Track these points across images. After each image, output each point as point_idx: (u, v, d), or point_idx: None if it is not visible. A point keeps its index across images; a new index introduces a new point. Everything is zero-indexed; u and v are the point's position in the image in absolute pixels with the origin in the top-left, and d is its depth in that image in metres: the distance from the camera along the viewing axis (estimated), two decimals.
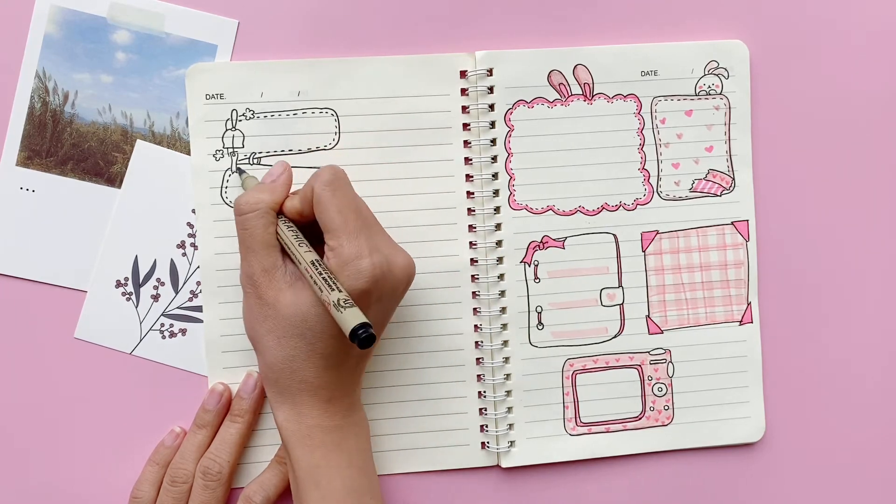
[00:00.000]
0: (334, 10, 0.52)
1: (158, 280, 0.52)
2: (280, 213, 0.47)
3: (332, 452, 0.46)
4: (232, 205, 0.51)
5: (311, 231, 0.47)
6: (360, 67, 0.52)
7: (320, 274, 0.43)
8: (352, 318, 0.41)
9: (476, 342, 0.53)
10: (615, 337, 0.54)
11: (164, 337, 0.52)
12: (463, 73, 0.53)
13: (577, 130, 0.53)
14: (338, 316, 0.42)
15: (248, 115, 0.52)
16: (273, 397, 0.47)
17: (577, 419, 0.54)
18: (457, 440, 0.53)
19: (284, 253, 0.46)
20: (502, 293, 0.53)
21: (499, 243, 0.53)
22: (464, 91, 0.53)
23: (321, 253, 0.45)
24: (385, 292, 0.45)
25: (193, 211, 0.52)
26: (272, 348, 0.45)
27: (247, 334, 0.48)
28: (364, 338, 0.41)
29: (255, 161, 0.52)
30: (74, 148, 0.51)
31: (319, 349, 0.45)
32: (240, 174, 0.51)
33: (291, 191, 0.49)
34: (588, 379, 0.54)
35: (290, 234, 0.46)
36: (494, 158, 0.53)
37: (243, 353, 0.52)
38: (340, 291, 0.43)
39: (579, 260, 0.54)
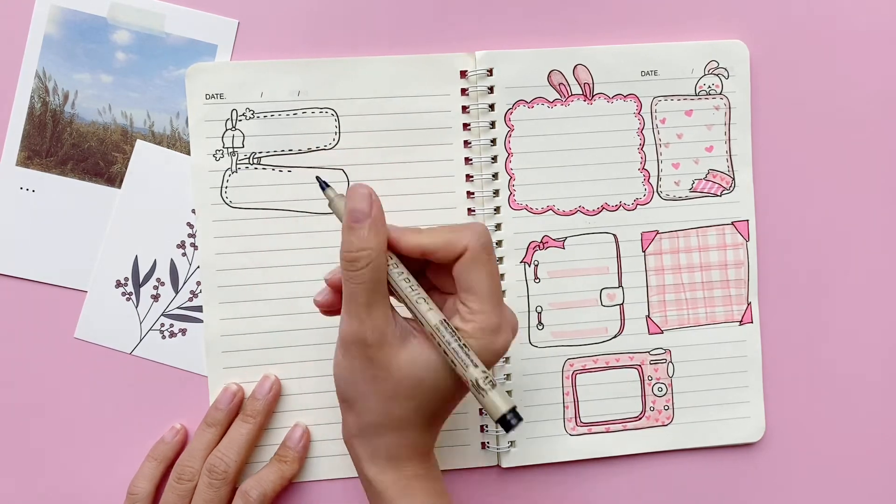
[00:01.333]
0: (334, 10, 0.52)
1: (158, 280, 0.52)
2: (391, 249, 0.42)
3: (430, 498, 0.44)
4: (232, 204, 0.51)
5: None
6: (360, 67, 0.52)
7: (459, 343, 0.40)
8: (501, 402, 0.40)
9: None
10: (615, 337, 0.54)
11: (164, 337, 0.52)
12: (463, 73, 0.53)
13: (577, 130, 0.53)
14: (483, 399, 0.40)
15: (248, 115, 0.52)
16: (364, 453, 0.44)
17: (577, 419, 0.54)
18: (457, 440, 0.53)
19: (390, 294, 0.42)
20: (502, 293, 0.53)
21: (499, 243, 0.53)
22: (464, 91, 0.53)
23: (420, 281, 0.43)
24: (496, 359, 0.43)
25: (193, 211, 0.52)
26: (376, 410, 0.42)
27: (338, 391, 0.44)
28: (514, 423, 0.40)
29: (256, 161, 0.52)
30: (74, 148, 0.51)
31: (429, 410, 0.42)
32: (323, 189, 0.45)
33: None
34: (588, 379, 0.54)
35: (406, 287, 0.42)
36: (494, 158, 0.53)
37: (243, 354, 0.52)
38: (482, 369, 0.40)
39: (579, 260, 0.54)
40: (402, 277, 0.42)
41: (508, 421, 0.40)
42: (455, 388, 0.42)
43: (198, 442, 0.50)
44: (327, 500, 0.53)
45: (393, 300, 0.43)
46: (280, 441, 0.52)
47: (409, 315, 0.43)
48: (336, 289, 0.44)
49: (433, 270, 0.45)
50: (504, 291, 0.53)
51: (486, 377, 0.40)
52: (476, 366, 0.40)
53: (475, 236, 0.42)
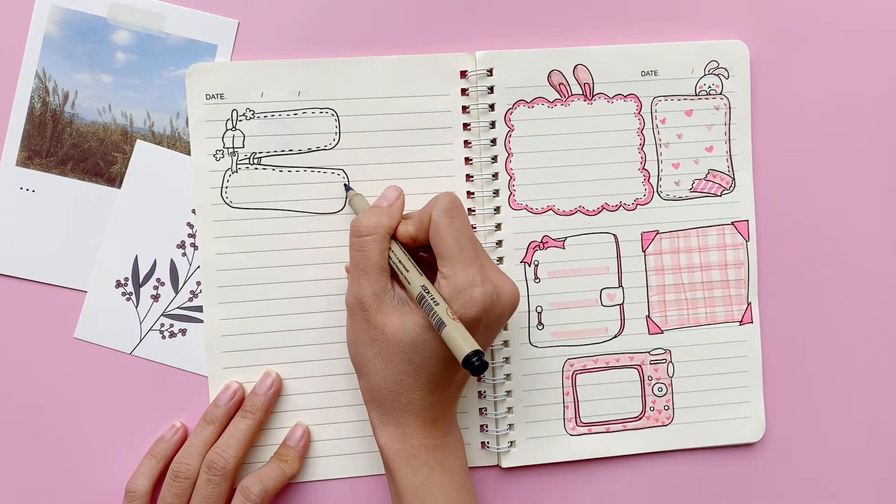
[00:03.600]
0: (334, 10, 0.52)
1: (158, 280, 0.52)
2: (393, 236, 0.47)
3: (436, 471, 0.46)
4: (232, 204, 0.51)
5: (417, 257, 0.47)
6: (360, 67, 0.52)
7: (433, 300, 0.44)
8: (466, 345, 0.42)
9: None
10: (615, 337, 0.54)
11: (164, 337, 0.52)
12: (463, 73, 0.53)
13: (577, 130, 0.53)
14: (451, 342, 0.42)
15: (249, 115, 0.52)
16: (376, 418, 0.47)
17: (577, 419, 0.54)
18: None
19: (394, 277, 0.47)
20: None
21: (499, 243, 0.53)
22: (464, 91, 0.53)
23: (431, 279, 0.45)
24: (492, 321, 0.45)
25: (193, 211, 0.52)
26: (379, 371, 0.45)
27: (350, 356, 0.48)
28: (478, 365, 0.41)
29: (256, 161, 0.52)
30: (74, 148, 0.51)
31: (427, 373, 0.45)
32: (346, 190, 0.51)
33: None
34: (588, 379, 0.54)
35: (403, 259, 0.46)
36: (494, 158, 0.53)
37: (243, 353, 0.52)
38: (454, 318, 0.43)
39: (579, 260, 0.54)
40: (403, 255, 0.46)
41: (473, 363, 0.41)
42: (449, 350, 0.44)
43: (196, 439, 0.50)
44: (327, 500, 0.53)
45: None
46: (280, 441, 0.52)
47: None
48: None
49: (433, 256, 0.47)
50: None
51: (458, 326, 0.43)
52: (452, 317, 0.43)
53: (435, 206, 0.45)
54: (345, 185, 0.52)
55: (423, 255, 0.49)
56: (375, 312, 0.45)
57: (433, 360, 0.45)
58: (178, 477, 0.49)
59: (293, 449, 0.51)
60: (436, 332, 0.44)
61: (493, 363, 0.53)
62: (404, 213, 0.49)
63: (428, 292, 0.44)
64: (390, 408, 0.46)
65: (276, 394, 0.52)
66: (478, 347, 0.42)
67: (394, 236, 0.47)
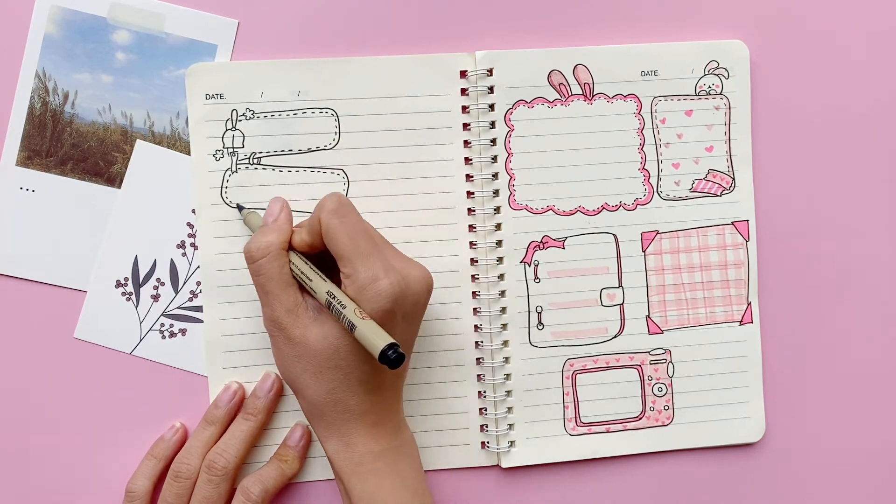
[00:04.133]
0: (334, 10, 0.52)
1: (158, 280, 0.52)
2: (290, 248, 0.47)
3: (385, 477, 0.46)
4: (232, 205, 0.51)
5: (323, 261, 0.47)
6: (360, 67, 0.52)
7: (340, 304, 0.43)
8: (378, 340, 0.42)
9: (476, 342, 0.53)
10: (615, 337, 0.54)
11: (164, 337, 0.52)
12: (463, 73, 0.53)
13: (577, 130, 0.53)
14: (364, 341, 0.42)
15: (248, 115, 0.52)
16: (320, 432, 0.47)
17: (577, 419, 0.54)
18: (457, 440, 0.53)
19: (303, 289, 0.46)
20: (502, 293, 0.53)
21: (499, 243, 0.53)
22: (464, 91, 0.53)
23: (338, 282, 0.45)
24: (408, 309, 0.45)
25: (193, 211, 0.52)
26: (310, 385, 0.45)
27: (282, 377, 0.47)
28: (394, 358, 0.41)
29: (256, 161, 0.52)
30: (74, 148, 0.51)
31: (357, 376, 0.45)
32: (240, 210, 0.51)
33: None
34: (588, 379, 0.54)
35: (305, 269, 0.46)
36: (494, 158, 0.53)
37: (243, 353, 0.52)
38: (363, 317, 0.43)
39: (579, 260, 0.54)
40: (304, 265, 0.46)
41: (389, 357, 0.41)
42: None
43: (196, 440, 0.50)
44: (327, 500, 0.53)
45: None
46: (280, 441, 0.52)
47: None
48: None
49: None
50: (504, 292, 0.53)
51: (367, 324, 0.42)
52: (360, 316, 0.43)
53: (321, 209, 0.45)
54: (237, 205, 0.51)
55: (327, 259, 0.47)
56: (293, 328, 0.45)
57: (359, 362, 0.44)
58: (179, 477, 0.49)
59: (293, 449, 0.51)
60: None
61: (492, 363, 0.53)
62: (296, 222, 0.49)
63: (334, 297, 0.44)
64: (331, 419, 0.46)
65: (277, 395, 0.52)
66: (391, 341, 0.41)
67: (291, 248, 0.47)
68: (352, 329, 0.43)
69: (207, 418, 0.51)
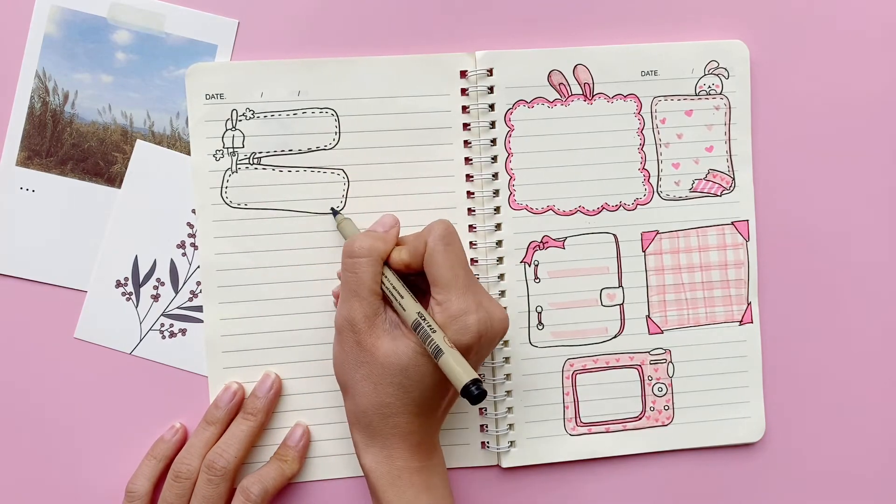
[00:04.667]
0: (334, 10, 0.52)
1: (158, 280, 0.52)
2: (386, 263, 0.47)
3: (421, 493, 0.46)
4: (232, 204, 0.51)
5: (409, 283, 0.47)
6: (360, 67, 0.52)
7: (430, 327, 0.44)
8: (465, 374, 0.42)
9: None
10: (615, 337, 0.54)
11: (164, 337, 0.52)
12: (463, 73, 0.53)
13: (577, 130, 0.53)
14: (449, 370, 0.43)
15: (248, 115, 0.52)
16: (361, 440, 0.47)
17: (577, 419, 0.54)
18: (457, 440, 0.53)
19: (384, 301, 0.47)
20: (502, 293, 0.53)
21: (499, 243, 0.53)
22: (464, 91, 0.53)
23: (423, 304, 0.46)
24: (483, 346, 0.46)
25: (193, 211, 0.52)
26: (367, 394, 0.46)
27: (336, 376, 0.48)
28: (477, 394, 0.42)
29: (256, 161, 0.52)
30: (74, 148, 0.51)
31: (414, 397, 0.45)
32: (334, 215, 0.51)
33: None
34: (588, 379, 0.54)
35: (398, 285, 0.46)
36: (494, 158, 0.53)
37: (243, 353, 0.52)
38: (451, 346, 0.43)
39: (579, 260, 0.54)
40: (396, 280, 0.46)
41: (473, 392, 0.42)
42: (438, 375, 0.44)
43: (196, 440, 0.50)
44: (327, 500, 0.53)
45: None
46: (280, 441, 0.52)
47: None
48: None
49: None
50: (504, 292, 0.53)
51: (455, 355, 0.43)
52: (434, 331, 0.44)
53: (431, 233, 0.46)
54: (332, 209, 0.51)
55: (412, 278, 0.48)
56: (367, 335, 0.45)
57: (423, 386, 0.45)
58: (179, 477, 0.49)
59: (293, 449, 0.51)
60: (428, 358, 0.44)
61: (492, 363, 0.53)
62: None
63: (424, 319, 0.44)
64: (376, 430, 0.46)
65: (277, 395, 0.52)
66: (476, 376, 0.42)
67: (387, 263, 0.47)
68: (437, 355, 0.43)
69: (208, 418, 0.51)
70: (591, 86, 0.53)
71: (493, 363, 0.53)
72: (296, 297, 0.52)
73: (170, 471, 0.50)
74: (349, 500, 0.53)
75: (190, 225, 0.52)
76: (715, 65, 0.54)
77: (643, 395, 0.54)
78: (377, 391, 0.45)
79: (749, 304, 0.55)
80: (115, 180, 0.52)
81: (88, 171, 0.52)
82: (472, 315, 0.44)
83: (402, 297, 0.46)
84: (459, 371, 0.43)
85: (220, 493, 0.49)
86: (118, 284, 0.52)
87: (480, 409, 0.53)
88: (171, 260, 0.52)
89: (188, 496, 0.49)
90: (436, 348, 0.43)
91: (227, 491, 0.50)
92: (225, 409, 0.51)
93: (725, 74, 0.54)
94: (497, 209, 0.53)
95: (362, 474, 0.53)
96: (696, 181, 0.55)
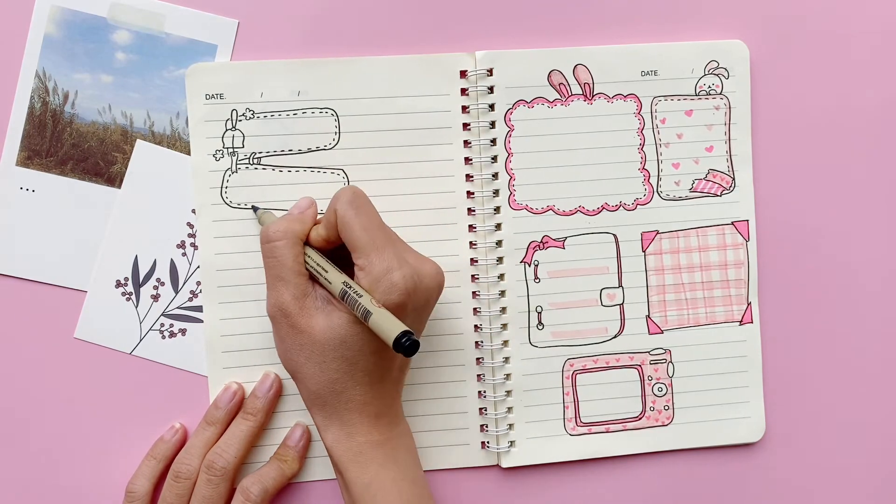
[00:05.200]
0: (334, 10, 0.52)
1: (158, 280, 0.52)
2: (306, 243, 0.47)
3: (384, 467, 0.46)
4: (232, 204, 0.51)
5: (336, 258, 0.47)
6: (360, 67, 0.52)
7: (356, 293, 0.44)
8: (393, 328, 0.42)
9: (476, 342, 0.53)
10: (615, 337, 0.54)
11: (164, 337, 0.52)
12: (463, 73, 0.53)
13: (577, 130, 0.53)
14: (378, 329, 0.43)
15: (248, 115, 0.52)
16: (320, 421, 0.47)
17: (577, 419, 0.54)
18: (457, 440, 0.53)
19: (312, 280, 0.47)
20: (502, 293, 0.53)
21: (499, 243, 0.53)
22: (464, 91, 0.53)
23: (350, 275, 0.46)
24: (419, 303, 0.46)
25: (193, 211, 0.52)
26: (314, 374, 0.45)
27: (283, 365, 0.47)
28: (408, 345, 0.42)
29: (256, 161, 0.52)
30: (74, 148, 0.51)
31: (361, 367, 0.45)
32: (255, 211, 0.51)
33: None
34: (588, 379, 0.54)
35: (319, 260, 0.46)
36: (494, 158, 0.53)
37: (243, 353, 0.52)
38: (378, 307, 0.43)
39: (579, 260, 0.54)
40: (318, 256, 0.46)
41: (404, 344, 0.41)
42: (380, 340, 0.44)
43: (196, 440, 0.50)
44: (327, 500, 0.53)
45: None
46: (280, 441, 0.52)
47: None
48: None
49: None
50: (503, 292, 0.53)
51: (382, 312, 0.43)
52: (361, 296, 0.43)
53: (337, 201, 0.46)
54: (252, 206, 0.51)
55: (340, 252, 0.48)
56: (299, 317, 0.45)
57: (366, 353, 0.45)
58: (179, 477, 0.49)
59: (293, 449, 0.51)
60: (364, 325, 0.44)
61: (492, 363, 0.53)
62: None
63: (350, 287, 0.44)
64: (332, 408, 0.46)
65: (277, 395, 0.52)
66: (405, 328, 0.42)
67: (307, 243, 0.47)
68: (366, 317, 0.43)
69: (208, 419, 0.51)
70: (591, 86, 0.53)
71: (493, 363, 0.53)
72: None
73: (170, 471, 0.50)
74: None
75: (190, 225, 0.52)
76: (715, 65, 0.54)
77: (643, 395, 0.54)
78: (323, 369, 0.45)
79: (749, 304, 0.55)
80: (115, 180, 0.52)
81: (88, 171, 0.52)
82: (395, 272, 0.44)
83: (326, 272, 0.45)
84: (387, 327, 0.42)
85: (219, 493, 0.49)
86: (118, 284, 0.52)
87: (480, 408, 0.53)
88: (171, 260, 0.52)
89: (188, 496, 0.49)
90: (364, 311, 0.43)
91: (227, 491, 0.50)
92: (225, 410, 0.51)
93: (725, 74, 0.54)
94: (497, 209, 0.53)
95: None
96: (696, 181, 0.55)
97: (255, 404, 0.51)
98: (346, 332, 0.44)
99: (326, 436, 0.47)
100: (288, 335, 0.46)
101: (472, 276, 0.53)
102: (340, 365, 0.45)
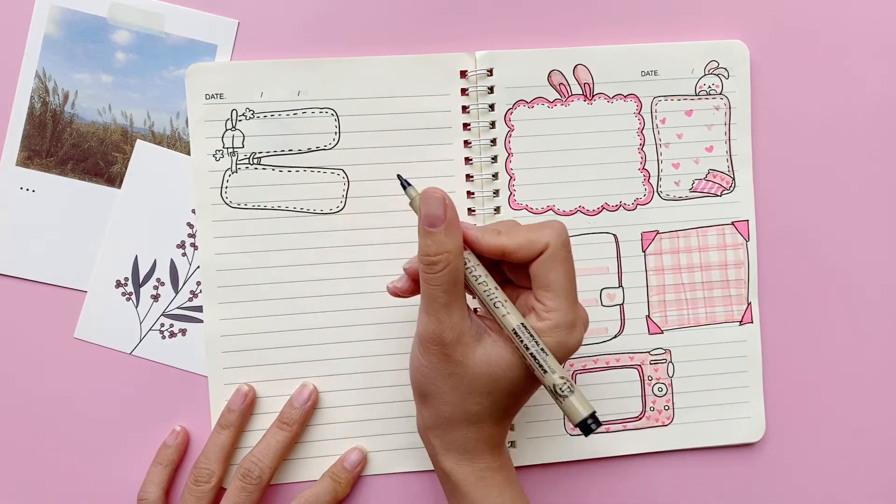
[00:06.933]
0: (334, 10, 0.52)
1: (158, 280, 0.52)
2: (475, 253, 0.44)
3: (505, 489, 0.45)
4: (232, 204, 0.51)
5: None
6: (360, 67, 0.52)
7: (539, 347, 0.42)
8: (582, 407, 0.42)
9: None
10: (615, 337, 0.54)
11: (164, 337, 0.52)
12: (463, 73, 0.53)
13: (577, 130, 0.53)
14: (563, 404, 0.42)
15: (248, 114, 0.52)
16: (440, 445, 0.45)
17: None
18: None
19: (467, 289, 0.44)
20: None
21: None
22: (464, 91, 0.53)
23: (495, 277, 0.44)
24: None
25: (193, 211, 0.52)
26: (452, 403, 0.44)
27: (415, 386, 0.45)
28: (595, 428, 0.42)
29: (256, 161, 0.52)
30: (74, 148, 0.51)
31: (503, 406, 0.44)
32: (405, 188, 0.45)
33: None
34: (588, 379, 0.54)
35: (484, 290, 0.43)
36: (494, 158, 0.53)
37: (243, 353, 0.52)
38: (560, 374, 0.42)
39: (579, 260, 0.54)
40: (479, 281, 0.43)
41: (588, 426, 0.42)
42: (528, 384, 0.44)
43: (212, 444, 0.51)
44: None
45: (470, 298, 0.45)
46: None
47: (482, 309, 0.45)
48: (413, 278, 0.45)
49: (508, 265, 0.45)
50: None
51: (566, 382, 0.42)
52: (554, 371, 0.42)
53: (555, 235, 0.43)
54: (402, 181, 0.45)
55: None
56: (455, 347, 0.43)
57: (511, 395, 0.44)
58: (199, 481, 0.50)
59: (349, 472, 0.52)
60: (522, 370, 0.43)
61: None
62: (494, 223, 0.46)
63: (531, 337, 0.42)
64: (459, 436, 0.44)
65: (313, 406, 0.52)
66: (593, 409, 0.42)
67: (476, 252, 0.44)
68: (557, 393, 0.42)
69: (222, 422, 0.51)
70: (591, 86, 0.53)
71: None
72: (296, 297, 0.52)
73: (189, 475, 0.50)
74: (357, 500, 0.53)
75: (190, 225, 0.52)
76: (715, 65, 0.54)
77: (643, 395, 0.54)
78: (464, 402, 0.43)
79: (749, 304, 0.55)
80: (115, 180, 0.52)
81: (88, 171, 0.52)
82: (576, 331, 0.43)
83: (497, 305, 0.43)
84: (580, 407, 0.42)
85: (252, 501, 0.49)
86: (118, 284, 0.52)
87: None
88: (171, 260, 0.52)
89: (207, 499, 0.50)
90: (554, 386, 0.42)
91: (259, 500, 0.50)
92: (238, 412, 0.51)
93: (725, 74, 0.54)
94: (497, 209, 0.53)
95: (370, 473, 0.53)
96: (696, 181, 0.55)
97: (293, 414, 0.51)
98: (501, 372, 0.43)
99: (446, 460, 0.45)
100: (439, 363, 0.43)
101: None
102: (483, 399, 0.43)
